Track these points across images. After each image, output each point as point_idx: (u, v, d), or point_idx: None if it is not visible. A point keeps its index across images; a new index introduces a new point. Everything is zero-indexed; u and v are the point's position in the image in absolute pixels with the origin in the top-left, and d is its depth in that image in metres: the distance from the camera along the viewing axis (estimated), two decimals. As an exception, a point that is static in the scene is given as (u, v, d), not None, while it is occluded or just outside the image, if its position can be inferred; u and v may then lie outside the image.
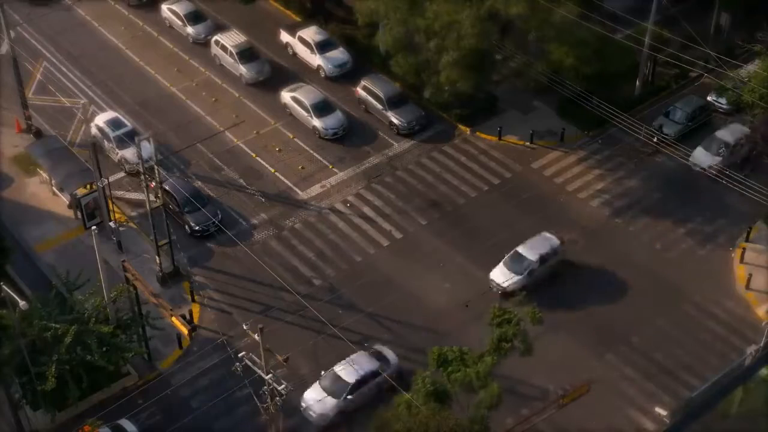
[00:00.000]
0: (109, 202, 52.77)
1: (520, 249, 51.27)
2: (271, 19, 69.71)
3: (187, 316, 48.96)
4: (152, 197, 49.59)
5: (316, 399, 45.46)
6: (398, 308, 50.44)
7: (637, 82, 62.32)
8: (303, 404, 45.58)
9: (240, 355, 37.41)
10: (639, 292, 51.17)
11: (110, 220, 52.89)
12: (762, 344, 45.56)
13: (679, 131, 58.83)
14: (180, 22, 68.43)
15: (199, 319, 50.21)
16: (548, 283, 51.04)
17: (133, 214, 55.61)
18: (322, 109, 60.72)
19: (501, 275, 50.80)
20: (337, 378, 45.86)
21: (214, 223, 53.71)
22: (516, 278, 50.46)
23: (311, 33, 65.89)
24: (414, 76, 60.00)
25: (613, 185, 57.44)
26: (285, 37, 66.93)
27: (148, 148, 48.71)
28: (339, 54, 65.03)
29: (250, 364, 37.17)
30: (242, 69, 64.21)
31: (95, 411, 44.59)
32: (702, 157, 56.96)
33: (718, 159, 56.45)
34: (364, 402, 45.52)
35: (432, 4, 56.88)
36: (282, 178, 58.22)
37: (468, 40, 55.56)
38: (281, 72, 65.25)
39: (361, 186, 57.71)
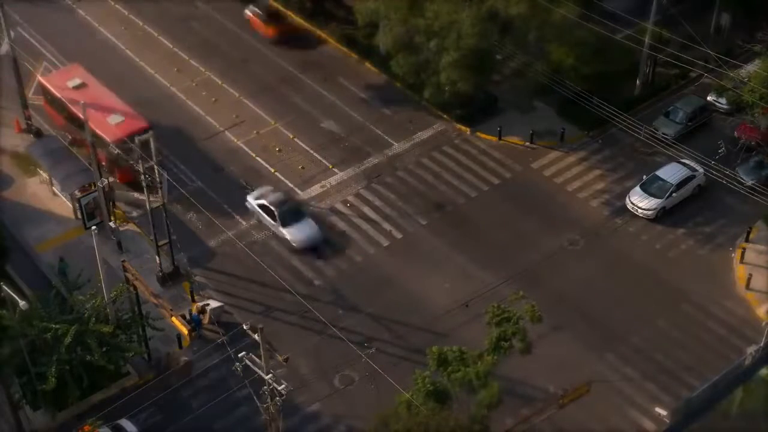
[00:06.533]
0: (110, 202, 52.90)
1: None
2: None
3: (187, 316, 48.94)
4: (152, 197, 49.60)
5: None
6: (398, 308, 50.42)
7: (637, 82, 62.32)
8: None
9: (240, 355, 37.38)
10: (639, 292, 51.14)
11: (110, 220, 52.90)
12: (762, 344, 45.61)
13: (678, 131, 58.90)
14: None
15: (199, 319, 50.26)
16: (548, 284, 51.12)
17: (133, 214, 55.63)
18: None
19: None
20: None
21: None
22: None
23: None
24: (414, 76, 59.98)
25: (613, 185, 57.45)
26: None
27: None
28: None
29: (250, 364, 37.10)
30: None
31: (95, 411, 44.49)
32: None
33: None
34: None
35: (432, 4, 56.89)
36: (282, 178, 58.20)
37: (468, 40, 55.57)
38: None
39: (361, 186, 57.68)
